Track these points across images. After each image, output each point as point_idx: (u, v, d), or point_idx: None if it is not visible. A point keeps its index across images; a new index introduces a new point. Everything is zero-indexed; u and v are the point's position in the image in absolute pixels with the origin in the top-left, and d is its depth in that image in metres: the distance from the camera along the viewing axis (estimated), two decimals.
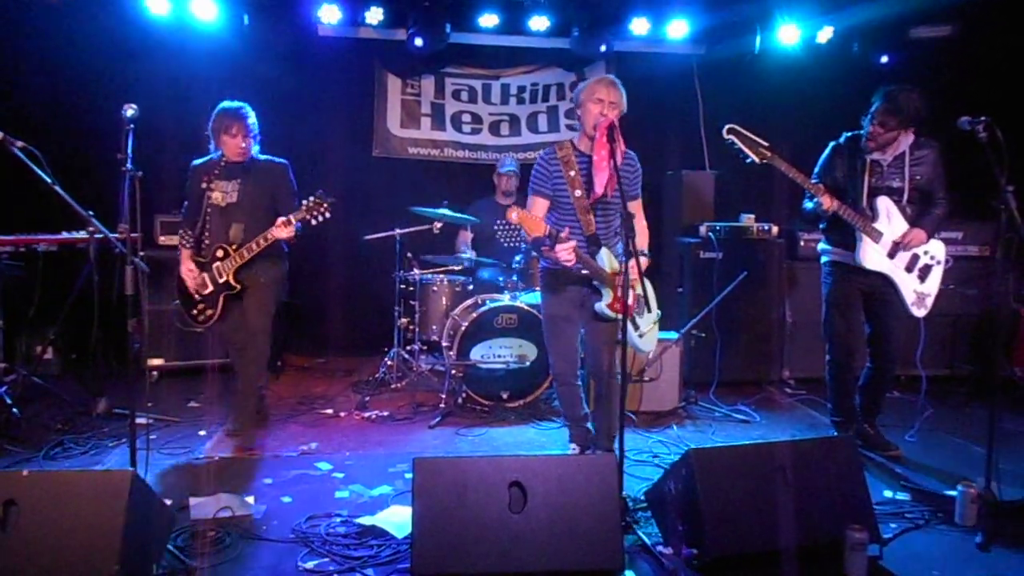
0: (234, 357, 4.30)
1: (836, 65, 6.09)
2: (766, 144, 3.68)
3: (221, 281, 4.05)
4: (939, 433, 4.48)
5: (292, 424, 4.58)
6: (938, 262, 3.98)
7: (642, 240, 3.71)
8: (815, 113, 6.02)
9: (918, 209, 3.95)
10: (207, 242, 4.07)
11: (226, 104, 4.04)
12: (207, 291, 4.08)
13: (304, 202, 3.93)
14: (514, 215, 3.28)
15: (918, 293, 3.94)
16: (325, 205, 3.92)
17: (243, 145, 4.01)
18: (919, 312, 3.95)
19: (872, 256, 3.90)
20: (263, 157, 4.13)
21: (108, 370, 4.80)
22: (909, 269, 3.93)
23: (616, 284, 3.49)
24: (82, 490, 2.48)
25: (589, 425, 3.84)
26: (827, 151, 4.09)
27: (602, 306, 3.56)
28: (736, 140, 3.67)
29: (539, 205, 3.59)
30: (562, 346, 3.72)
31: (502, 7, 5.88)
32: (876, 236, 3.88)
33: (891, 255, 3.90)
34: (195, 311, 4.13)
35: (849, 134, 4.03)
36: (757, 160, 3.67)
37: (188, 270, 4.11)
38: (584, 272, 3.54)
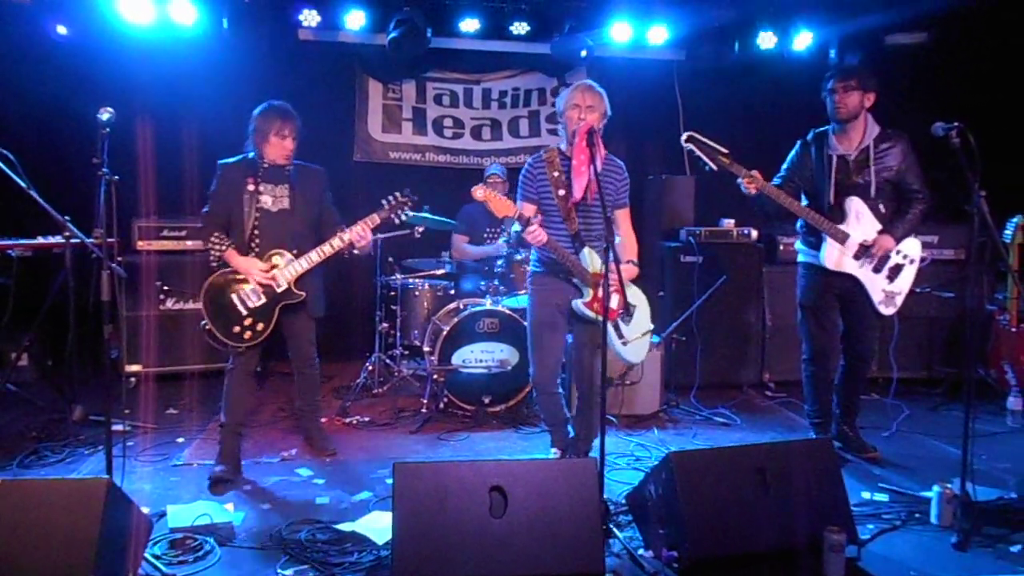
0: (241, 382, 3.80)
1: (813, 71, 6.09)
2: (725, 151, 3.66)
3: (280, 290, 3.69)
4: (915, 434, 4.53)
5: (272, 430, 4.54)
6: (911, 261, 3.94)
7: (630, 250, 3.72)
8: (793, 118, 6.02)
9: (893, 206, 3.92)
10: (254, 250, 3.72)
11: (274, 103, 3.79)
12: (259, 303, 3.68)
13: (387, 200, 3.84)
14: (479, 192, 3.38)
15: (886, 292, 3.93)
16: (410, 203, 3.86)
17: (292, 148, 3.79)
18: (887, 310, 3.95)
19: (836, 258, 3.90)
20: (299, 163, 3.90)
21: (84, 376, 4.74)
22: (877, 270, 3.91)
23: (597, 284, 3.51)
24: (57, 498, 2.45)
25: (569, 428, 3.84)
26: (795, 147, 4.10)
27: (579, 304, 3.57)
28: (695, 148, 3.65)
29: (527, 209, 3.59)
30: (545, 355, 3.69)
31: (483, 12, 5.91)
32: (841, 237, 3.88)
33: (857, 257, 3.89)
34: (238, 328, 3.65)
35: (816, 131, 4.05)
36: (715, 168, 3.66)
37: (256, 268, 3.66)
38: (568, 271, 3.55)
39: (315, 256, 3.73)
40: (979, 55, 5.87)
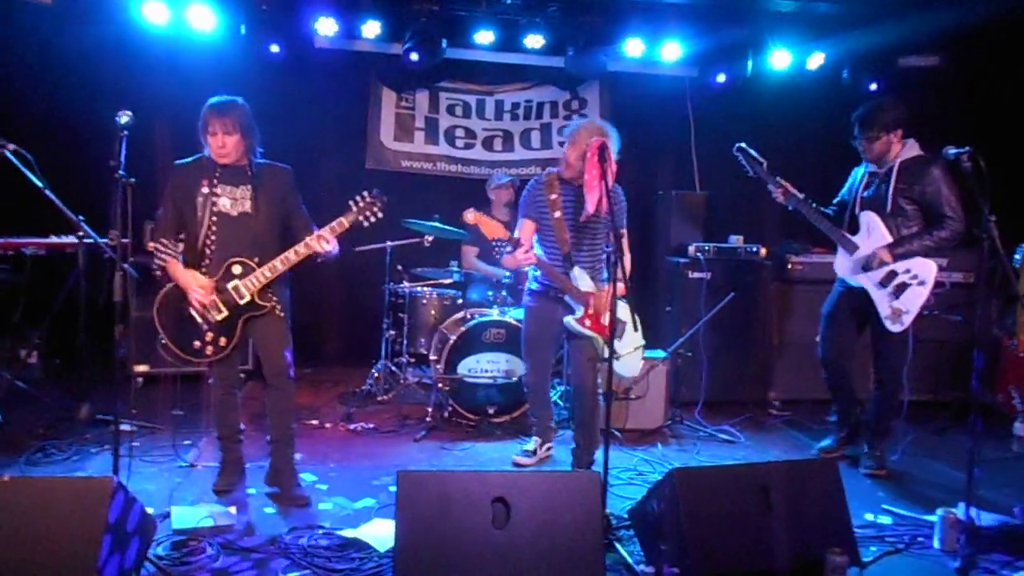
0: (224, 399, 3.63)
1: (826, 91, 6.17)
2: (764, 162, 4.16)
3: (243, 301, 3.39)
4: (921, 457, 4.51)
5: None
6: (921, 282, 3.94)
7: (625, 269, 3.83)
8: (805, 137, 6.10)
9: (916, 226, 3.97)
10: (209, 258, 3.42)
11: (214, 98, 3.45)
12: (220, 316, 3.40)
13: (354, 202, 3.43)
14: (470, 216, 3.57)
15: (893, 308, 3.97)
16: (379, 204, 3.44)
17: (228, 145, 3.38)
18: (894, 327, 3.97)
19: (844, 265, 4.15)
20: (263, 161, 3.57)
21: (92, 376, 4.77)
22: (883, 284, 3.98)
23: (588, 301, 3.73)
24: (63, 497, 2.47)
25: (552, 423, 4.24)
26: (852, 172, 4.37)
27: (570, 320, 3.79)
28: (741, 157, 4.18)
29: (527, 226, 3.90)
30: (537, 362, 4.06)
31: (498, 24, 5.94)
32: (850, 248, 4.09)
33: (865, 268, 4.02)
34: (199, 343, 3.40)
35: None
36: (752, 174, 4.16)
37: (197, 285, 3.35)
38: (559, 290, 3.76)
39: (279, 265, 3.40)
40: (991, 78, 5.87)
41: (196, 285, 3.36)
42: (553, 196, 3.80)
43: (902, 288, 3.96)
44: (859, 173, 4.24)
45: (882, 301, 3.99)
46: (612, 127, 3.75)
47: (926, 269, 3.96)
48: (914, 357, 4.73)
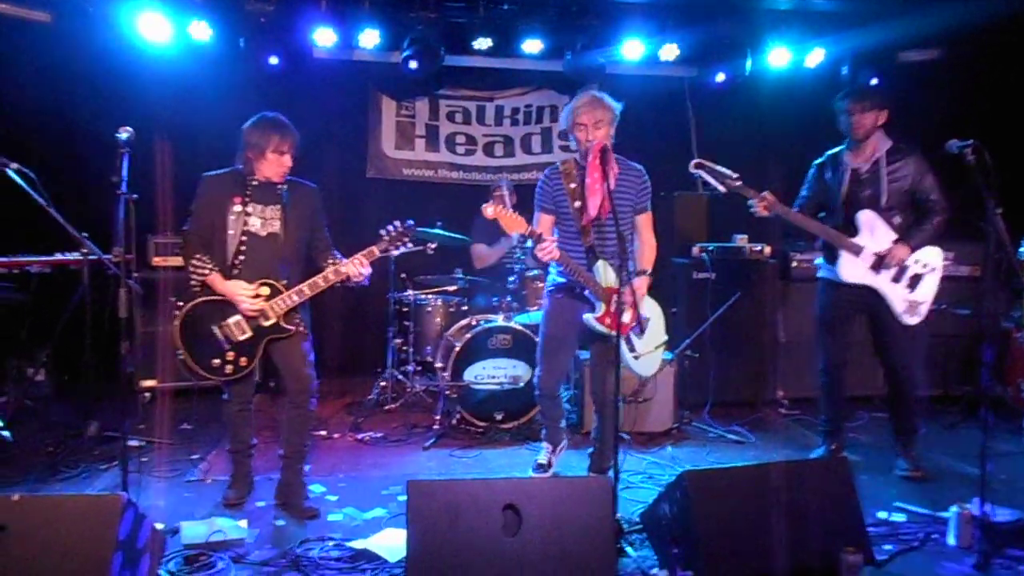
0: (239, 414, 3.62)
1: (826, 87, 6.13)
2: (735, 175, 3.77)
3: (268, 324, 3.38)
4: (932, 453, 4.47)
5: None
6: (932, 269, 3.95)
7: (648, 257, 3.73)
8: (805, 134, 6.04)
9: (910, 217, 3.94)
10: (236, 277, 3.39)
11: (268, 115, 3.43)
12: (244, 336, 3.39)
13: (385, 232, 3.48)
14: (489, 210, 3.29)
15: (909, 301, 3.94)
16: (409, 234, 3.51)
17: (290, 165, 3.42)
18: (911, 320, 3.94)
19: (852, 270, 3.95)
20: (290, 179, 3.52)
21: (99, 392, 4.77)
22: (896, 279, 3.94)
23: (610, 299, 3.51)
24: (73, 514, 2.47)
25: (563, 425, 3.93)
26: (811, 171, 4.20)
27: (590, 318, 3.57)
28: (704, 173, 3.77)
29: (544, 220, 3.66)
30: (552, 365, 3.76)
31: (496, 30, 5.94)
32: (856, 250, 3.93)
33: (875, 268, 3.93)
34: (218, 361, 3.37)
35: (830, 152, 4.13)
36: (725, 191, 3.77)
37: (243, 292, 3.33)
38: (581, 286, 3.54)
39: (307, 290, 3.40)
40: (992, 71, 5.86)
41: (243, 293, 3.34)
42: (572, 185, 3.51)
43: (917, 279, 3.93)
44: (830, 171, 4.06)
45: (897, 296, 3.94)
46: (598, 97, 3.54)
47: (935, 256, 3.98)
48: (923, 352, 4.72)
